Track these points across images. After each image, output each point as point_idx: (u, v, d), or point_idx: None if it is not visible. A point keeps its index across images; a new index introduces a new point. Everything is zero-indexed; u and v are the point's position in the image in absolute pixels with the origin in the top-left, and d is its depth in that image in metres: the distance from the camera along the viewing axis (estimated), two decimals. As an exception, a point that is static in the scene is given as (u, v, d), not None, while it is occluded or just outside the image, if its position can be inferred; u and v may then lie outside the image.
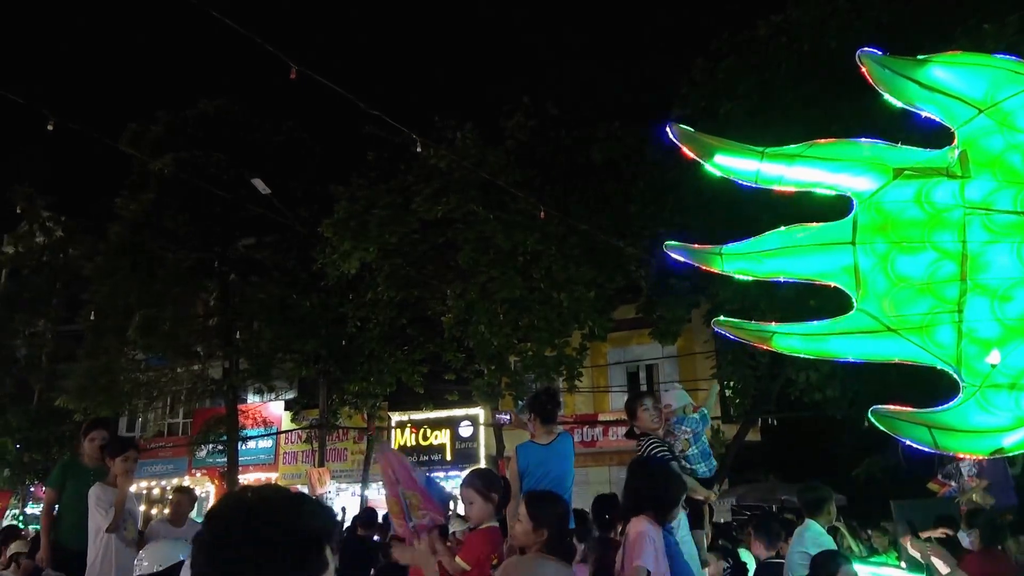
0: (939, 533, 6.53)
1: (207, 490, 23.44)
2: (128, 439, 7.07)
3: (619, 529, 4.84)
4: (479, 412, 20.50)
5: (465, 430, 21.12)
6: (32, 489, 22.31)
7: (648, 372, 21.20)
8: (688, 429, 5.57)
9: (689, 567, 4.19)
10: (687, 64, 14.03)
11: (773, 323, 3.44)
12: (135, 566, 3.18)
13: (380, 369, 17.36)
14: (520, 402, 17.41)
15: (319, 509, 1.34)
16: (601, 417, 20.45)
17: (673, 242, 3.42)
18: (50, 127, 8.45)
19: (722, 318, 3.48)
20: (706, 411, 5.80)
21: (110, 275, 18.92)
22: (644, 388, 20.35)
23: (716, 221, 12.85)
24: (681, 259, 3.44)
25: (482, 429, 20.72)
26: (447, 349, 16.37)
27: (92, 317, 20.41)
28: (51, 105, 8.32)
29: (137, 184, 19.72)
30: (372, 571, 7.44)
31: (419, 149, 13.22)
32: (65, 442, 20.59)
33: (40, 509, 6.27)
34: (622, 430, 19.78)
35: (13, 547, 7.83)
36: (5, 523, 20.43)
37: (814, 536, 4.88)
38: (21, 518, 22.10)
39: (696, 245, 3.48)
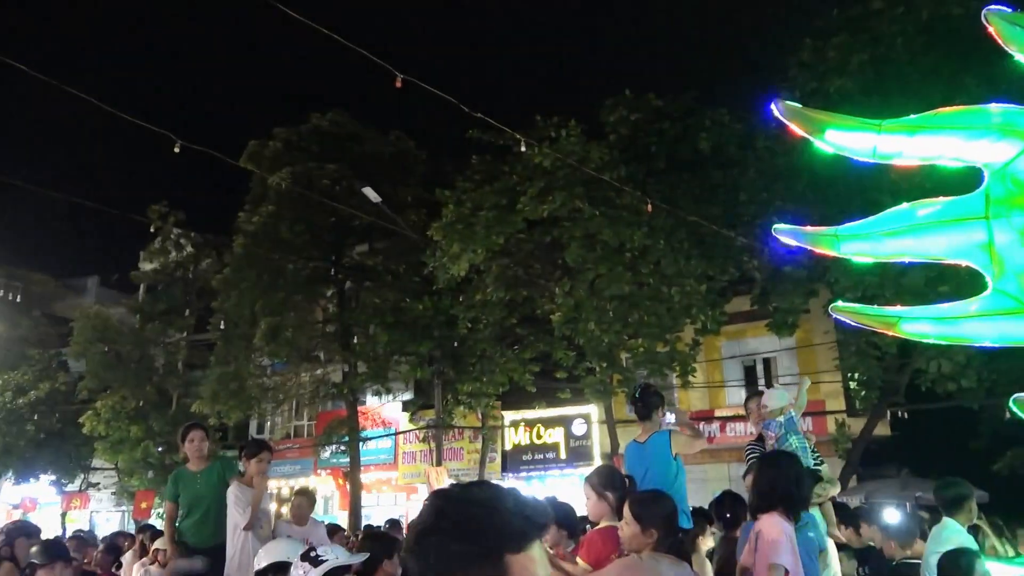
0: None
1: (332, 490, 24.34)
2: (262, 441, 7.40)
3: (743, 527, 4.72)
4: (592, 410, 20.41)
5: (579, 428, 21.07)
6: (174, 489, 23.73)
7: (765, 366, 20.53)
8: (772, 433, 5.29)
9: (816, 566, 4.04)
10: (795, 45, 13.54)
11: (898, 306, 3.22)
12: (255, 562, 3.32)
13: (492, 369, 17.54)
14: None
15: (523, 507, 1.26)
16: (717, 413, 19.96)
17: (782, 225, 3.24)
18: (177, 149, 8.95)
19: (840, 304, 3.29)
20: (793, 413, 5.44)
21: (236, 286, 19.95)
22: (762, 382, 19.75)
23: (833, 206, 12.36)
24: (792, 243, 3.26)
25: (596, 427, 20.62)
26: (557, 348, 16.37)
27: (221, 326, 21.58)
28: (177, 128, 8.85)
29: (257, 198, 20.75)
30: None
31: (523, 148, 13.29)
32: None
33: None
34: (740, 426, 19.29)
35: (157, 543, 8.36)
36: (151, 521, 21.94)
37: (952, 535, 4.59)
38: (165, 516, 23.64)
39: (809, 228, 3.29)
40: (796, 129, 3.03)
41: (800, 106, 3.10)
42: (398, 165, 21.16)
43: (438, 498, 1.31)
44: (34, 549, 4.03)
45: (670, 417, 6.35)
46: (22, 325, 29.59)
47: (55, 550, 4.14)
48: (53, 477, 27.52)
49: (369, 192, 16.79)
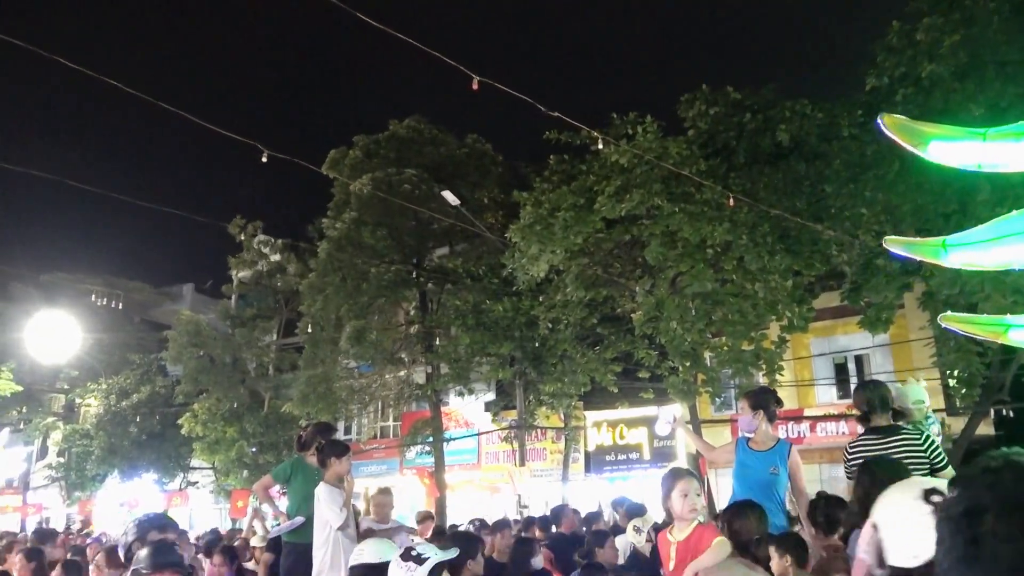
0: None
1: (418, 489, 24.72)
2: (344, 441, 7.58)
3: (841, 532, 4.55)
4: (676, 410, 20.12)
5: (662, 428, 20.79)
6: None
7: (857, 363, 19.83)
8: (937, 430, 4.97)
9: None
10: (881, 29, 13.03)
11: (1008, 316, 3.09)
12: (354, 556, 3.37)
13: (573, 369, 17.49)
14: (718, 399, 16.92)
15: None
16: (807, 412, 19.38)
17: (893, 237, 3.19)
18: (264, 158, 9.26)
19: (950, 314, 3.20)
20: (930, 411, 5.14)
21: (321, 290, 20.51)
22: (854, 381, 19.08)
23: (926, 197, 11.86)
24: (903, 254, 3.19)
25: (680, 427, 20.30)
26: (639, 347, 16.19)
27: (308, 330, 22.23)
28: (263, 139, 9.15)
29: (340, 205, 21.30)
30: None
31: (600, 146, 13.21)
32: (293, 445, 22.55)
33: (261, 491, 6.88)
34: (831, 426, 18.68)
35: (253, 541, 8.68)
36: (246, 518, 22.70)
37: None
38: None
39: (917, 239, 3.21)
40: (901, 142, 2.97)
41: (904, 118, 3.03)
42: (475, 168, 21.37)
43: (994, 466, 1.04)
44: (142, 552, 3.48)
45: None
46: (124, 332, 31.20)
47: (164, 555, 3.48)
48: (155, 476, 28.87)
49: (448, 195, 16.98)
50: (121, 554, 5.04)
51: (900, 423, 4.77)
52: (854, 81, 13.74)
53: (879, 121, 3.02)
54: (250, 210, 26.20)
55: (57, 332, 25.80)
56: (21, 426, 31.42)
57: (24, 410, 31.35)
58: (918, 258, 3.14)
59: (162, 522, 4.95)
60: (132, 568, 3.38)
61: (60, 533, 12.38)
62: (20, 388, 29.85)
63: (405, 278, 21.46)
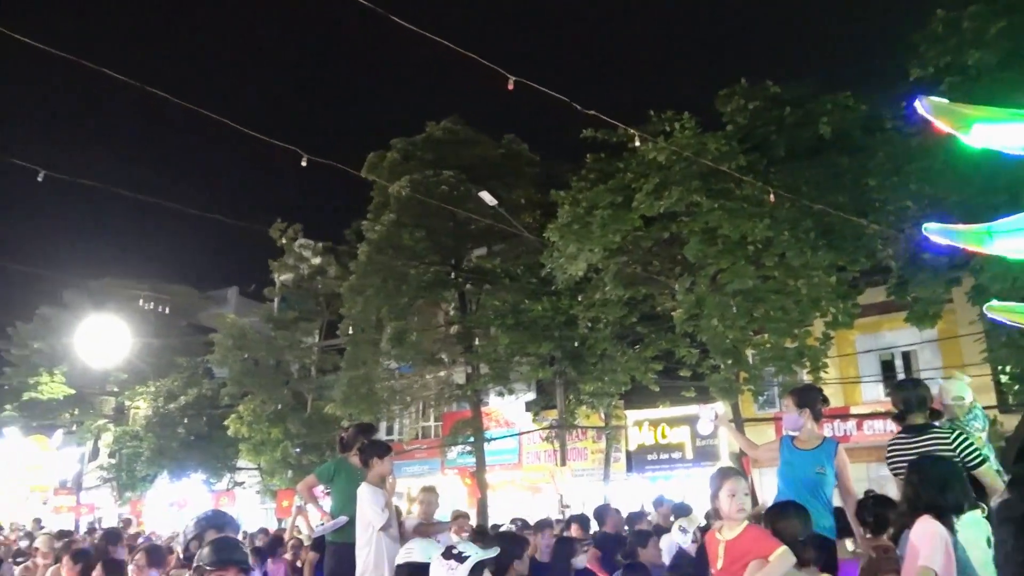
0: None
1: (459, 489, 24.81)
2: (386, 442, 7.64)
3: (891, 532, 4.46)
4: (718, 408, 19.89)
5: (704, 427, 20.55)
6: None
7: (905, 360, 19.41)
8: (980, 426, 4.87)
9: None
10: (924, 18, 12.74)
11: None
12: (402, 554, 3.40)
13: (613, 368, 17.39)
14: (761, 397, 16.70)
15: None
16: (853, 410, 19.02)
17: (933, 224, 3.07)
18: (304, 163, 9.38)
19: (995, 303, 3.08)
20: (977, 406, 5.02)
21: (361, 292, 20.72)
22: (902, 377, 18.67)
23: (973, 189, 11.57)
24: (943, 242, 3.07)
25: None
26: (680, 345, 16.04)
27: (350, 331, 22.46)
28: (302, 143, 9.26)
29: (379, 207, 21.50)
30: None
31: (637, 143, 13.13)
32: (336, 445, 22.77)
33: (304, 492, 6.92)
34: (878, 424, 18.30)
35: (303, 536, 8.80)
36: (290, 518, 23.04)
37: None
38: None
39: (960, 225, 3.10)
40: (941, 126, 2.87)
41: (946, 102, 2.94)
42: (511, 168, 21.40)
43: None
44: (205, 550, 3.34)
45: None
46: (171, 335, 31.88)
47: (228, 552, 3.27)
48: (203, 476, 29.41)
49: (486, 196, 17.01)
50: (180, 551, 5.11)
51: (935, 422, 4.68)
52: (895, 72, 13.48)
53: (920, 103, 2.93)
54: (290, 214, 26.58)
55: (107, 336, 26.52)
56: (73, 428, 32.26)
57: (76, 412, 32.20)
58: (960, 246, 3.02)
59: (221, 520, 4.90)
60: (195, 565, 3.37)
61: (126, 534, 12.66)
62: (72, 391, 30.72)
63: (444, 279, 21.56)
